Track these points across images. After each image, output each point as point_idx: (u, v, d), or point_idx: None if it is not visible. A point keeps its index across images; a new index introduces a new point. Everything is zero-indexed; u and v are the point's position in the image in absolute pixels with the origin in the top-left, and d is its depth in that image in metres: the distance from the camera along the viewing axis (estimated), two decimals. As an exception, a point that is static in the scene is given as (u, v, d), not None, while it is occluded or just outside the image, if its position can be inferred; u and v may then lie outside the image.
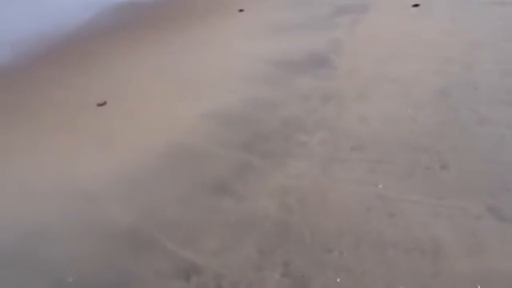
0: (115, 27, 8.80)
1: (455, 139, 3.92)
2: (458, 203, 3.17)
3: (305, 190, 3.54)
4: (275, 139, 4.34)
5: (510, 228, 2.90)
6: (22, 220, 3.59)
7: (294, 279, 2.75)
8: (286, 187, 3.60)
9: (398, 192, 3.37)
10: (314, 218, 3.21)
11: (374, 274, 2.71)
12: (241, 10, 8.82)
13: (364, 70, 5.57)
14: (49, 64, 7.17)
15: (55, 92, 6.05)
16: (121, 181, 3.94)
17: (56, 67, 7.01)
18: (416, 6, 7.56)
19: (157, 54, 6.99)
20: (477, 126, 4.08)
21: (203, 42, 7.30)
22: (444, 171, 3.52)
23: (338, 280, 2.70)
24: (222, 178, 3.83)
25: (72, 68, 6.89)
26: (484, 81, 4.82)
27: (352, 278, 2.70)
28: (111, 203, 3.65)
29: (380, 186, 3.45)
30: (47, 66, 7.07)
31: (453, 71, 5.16)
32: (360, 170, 3.68)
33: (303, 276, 2.76)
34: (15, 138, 4.97)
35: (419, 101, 4.65)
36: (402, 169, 3.63)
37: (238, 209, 3.44)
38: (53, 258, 3.15)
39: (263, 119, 4.75)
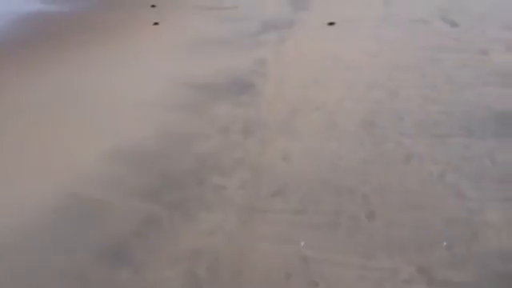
0: (15, 42, 7.73)
1: (381, 179, 3.63)
2: (387, 263, 2.83)
3: (217, 253, 3.02)
4: (188, 183, 3.79)
5: (442, 292, 2.60)
6: None
7: None
8: (196, 249, 3.06)
9: (322, 251, 2.96)
10: (225, 292, 2.71)
11: None
12: (156, 23, 8.09)
13: (288, 95, 5.20)
14: None
15: None
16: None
17: None
18: (331, 24, 7.39)
19: (56, 75, 6.10)
20: (403, 162, 3.83)
21: (112, 60, 6.52)
22: (370, 221, 3.19)
23: None
24: (120, 239, 3.20)
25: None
26: (409, 109, 4.64)
27: None
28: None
29: (302, 243, 3.03)
30: None
31: (377, 98, 4.94)
32: (281, 224, 3.24)
33: None
34: None
35: (343, 132, 4.35)
36: (326, 219, 3.24)
37: (135, 282, 2.84)
38: None
39: (176, 157, 4.18)
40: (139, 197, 3.65)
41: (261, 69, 6.00)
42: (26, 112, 5.14)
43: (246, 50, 6.71)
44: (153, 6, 9.13)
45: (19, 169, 4.10)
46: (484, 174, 3.61)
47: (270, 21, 7.92)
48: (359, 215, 3.24)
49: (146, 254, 3.06)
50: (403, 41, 6.50)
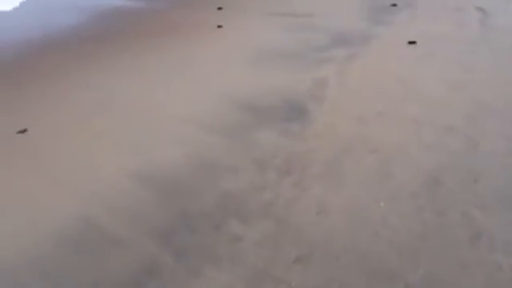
0: (86, 37, 7.89)
1: (434, 265, 2.87)
2: None
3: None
4: (203, 227, 3.35)
5: None
6: None
7: None
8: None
9: None
10: None
11: None
12: (219, 26, 7.73)
13: (343, 129, 4.51)
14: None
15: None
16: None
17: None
18: (412, 43, 6.44)
19: (104, 77, 6.02)
20: (468, 245, 3.01)
21: (165, 67, 6.29)
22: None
23: None
24: (116, 286, 2.87)
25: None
26: (488, 168, 3.73)
27: None
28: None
29: None
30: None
31: (451, 147, 4.07)
32: (292, 306, 2.67)
33: None
34: None
35: (399, 189, 3.59)
36: (350, 312, 2.60)
37: None
38: None
39: (200, 192, 3.76)
40: (149, 236, 3.30)
41: (319, 91, 5.35)
42: (61, 115, 5.08)
43: (308, 67, 6.08)
44: (219, 8, 8.81)
45: (37, 184, 3.96)
46: None
47: (342, 34, 7.16)
48: (393, 315, 2.56)
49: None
50: (497, 73, 5.40)
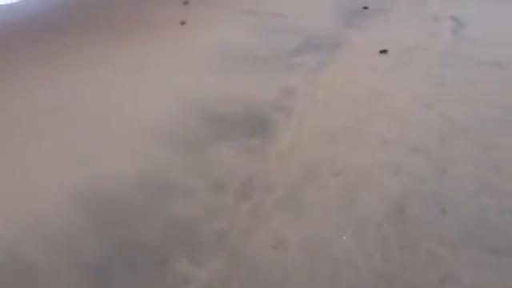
0: (41, 28, 7.28)
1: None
2: None
3: None
4: (145, 264, 2.99)
5: None
6: None
7: None
8: None
9: None
10: None
11: None
12: (183, 23, 7.27)
13: (308, 147, 4.23)
14: None
15: None
16: None
17: None
18: (383, 52, 6.23)
19: (55, 76, 5.49)
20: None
21: (122, 66, 5.78)
22: None
23: None
24: None
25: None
26: (456, 199, 3.52)
27: None
28: None
29: None
30: None
31: (418, 171, 3.85)
32: None
33: None
34: None
35: (364, 219, 3.34)
36: None
37: None
38: None
39: (146, 216, 3.39)
40: (79, 274, 2.90)
41: (286, 102, 5.03)
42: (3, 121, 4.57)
43: (276, 73, 5.75)
44: (185, 2, 8.31)
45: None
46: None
47: (314, 37, 6.85)
48: None
49: None
50: (468, 88, 5.20)
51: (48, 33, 7.04)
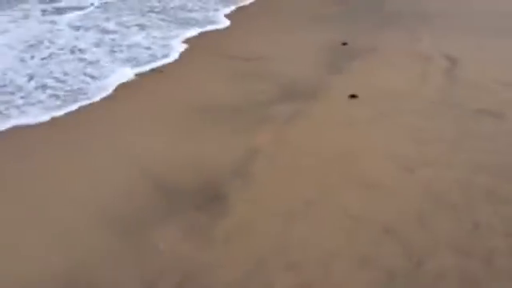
0: None
1: None
2: None
3: None
4: None
5: None
6: None
7: None
8: None
9: None
10: None
11: None
12: (161, 71, 6.84)
13: (260, 231, 3.59)
14: None
15: None
16: None
17: None
18: (353, 97, 5.66)
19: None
20: None
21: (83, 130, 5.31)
22: None
23: None
24: None
25: None
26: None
27: None
28: None
29: None
30: None
31: (388, 264, 3.17)
32: None
33: None
34: None
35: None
36: None
37: None
38: None
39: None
40: None
41: (247, 167, 4.44)
42: None
43: (244, 128, 5.18)
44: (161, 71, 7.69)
45: None
46: None
47: (291, 84, 6.30)
48: None
49: None
50: (458, 149, 4.50)
51: None
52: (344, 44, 7.54)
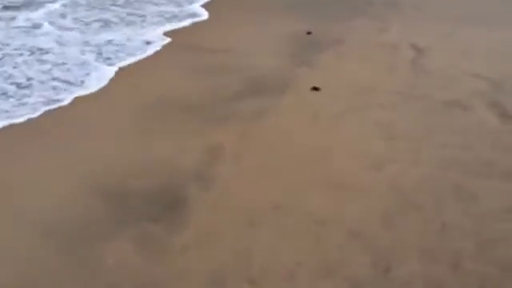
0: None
1: None
2: None
3: None
4: None
5: None
6: None
7: None
8: None
9: None
10: None
11: None
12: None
13: (224, 240, 3.36)
14: None
15: None
16: None
17: None
18: (316, 89, 5.49)
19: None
20: None
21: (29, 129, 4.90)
22: None
23: None
24: None
25: None
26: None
27: None
28: None
29: None
30: None
31: (354, 271, 3.01)
32: None
33: None
34: None
35: None
36: None
37: None
38: None
39: None
40: None
41: (210, 169, 4.19)
42: None
43: (206, 127, 4.92)
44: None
45: None
46: None
47: (258, 78, 6.05)
48: None
49: None
50: (426, 143, 4.37)
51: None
52: (308, 33, 7.33)
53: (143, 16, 8.81)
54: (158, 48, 7.24)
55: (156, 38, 7.68)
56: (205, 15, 8.88)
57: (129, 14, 8.93)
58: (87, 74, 6.26)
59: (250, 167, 4.21)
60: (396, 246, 3.17)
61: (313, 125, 4.81)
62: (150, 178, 4.08)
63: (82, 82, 6.07)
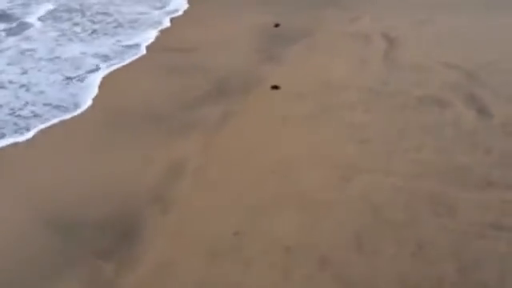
0: None
1: None
2: None
3: None
4: None
5: None
6: None
7: None
8: None
9: None
10: None
11: None
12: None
13: (179, 277, 3.02)
14: None
15: None
16: None
17: None
18: (275, 88, 5.23)
19: None
20: None
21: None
22: None
23: None
24: None
25: None
26: None
27: None
28: None
29: None
30: None
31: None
32: None
33: None
34: None
35: None
36: None
37: None
38: None
39: None
40: None
41: (169, 187, 3.83)
42: None
43: (168, 138, 4.53)
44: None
45: None
46: None
47: (223, 79, 5.65)
48: None
49: None
50: (401, 146, 4.07)
51: None
52: (276, 26, 6.96)
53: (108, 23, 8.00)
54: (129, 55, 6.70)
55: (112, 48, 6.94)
56: (180, 11, 8.36)
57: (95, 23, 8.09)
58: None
59: (212, 184, 3.86)
60: (369, 275, 2.89)
61: (279, 130, 4.47)
62: (104, 205, 3.68)
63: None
